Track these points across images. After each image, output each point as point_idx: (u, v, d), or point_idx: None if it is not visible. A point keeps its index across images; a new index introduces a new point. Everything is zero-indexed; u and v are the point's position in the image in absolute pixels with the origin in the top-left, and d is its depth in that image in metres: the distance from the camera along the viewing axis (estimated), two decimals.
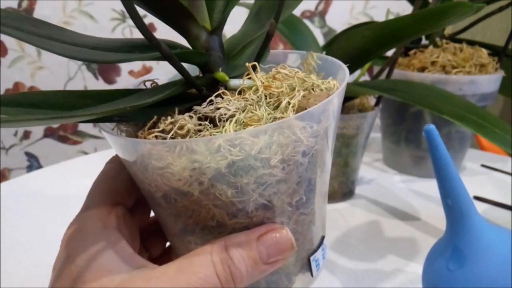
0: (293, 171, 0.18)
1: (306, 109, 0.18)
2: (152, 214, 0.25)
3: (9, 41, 1.03)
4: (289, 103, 0.19)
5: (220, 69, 0.21)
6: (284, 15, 0.23)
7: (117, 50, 0.20)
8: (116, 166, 0.22)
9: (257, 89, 0.19)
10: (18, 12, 0.19)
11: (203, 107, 0.19)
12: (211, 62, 0.21)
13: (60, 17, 1.02)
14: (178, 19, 0.20)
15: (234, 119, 0.18)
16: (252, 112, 0.18)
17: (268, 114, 0.18)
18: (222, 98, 0.19)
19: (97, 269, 0.18)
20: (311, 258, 0.22)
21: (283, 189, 0.18)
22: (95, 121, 0.19)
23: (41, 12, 1.02)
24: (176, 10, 0.19)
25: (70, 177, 0.53)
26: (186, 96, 0.21)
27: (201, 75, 0.22)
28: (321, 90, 0.21)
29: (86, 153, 1.14)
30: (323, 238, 0.23)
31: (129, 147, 0.18)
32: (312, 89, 0.21)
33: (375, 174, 0.53)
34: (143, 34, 0.17)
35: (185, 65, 0.19)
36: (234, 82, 0.20)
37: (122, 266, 0.18)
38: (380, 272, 0.33)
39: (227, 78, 0.20)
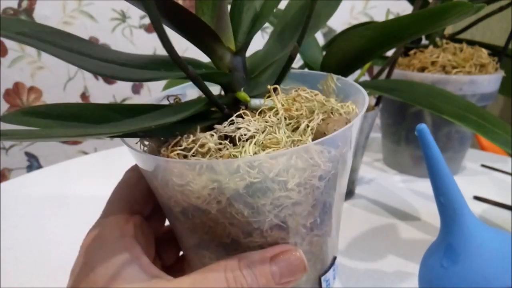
0: (309, 194, 0.18)
1: (324, 133, 0.18)
2: (167, 223, 0.25)
3: (9, 41, 1.03)
4: (307, 126, 0.19)
5: (242, 89, 0.21)
6: (307, 37, 0.23)
7: (144, 67, 0.20)
8: (135, 175, 0.23)
9: (277, 111, 0.20)
10: (49, 26, 0.19)
11: (224, 127, 0.19)
12: (234, 82, 0.21)
13: (60, 17, 1.02)
14: (205, 40, 0.20)
15: (254, 141, 0.18)
16: (272, 134, 0.18)
17: (287, 137, 0.18)
18: (243, 118, 0.19)
19: (113, 277, 0.18)
20: (322, 278, 0.22)
21: (298, 211, 0.18)
22: (120, 136, 0.20)
23: (41, 12, 1.02)
24: (203, 32, 0.19)
25: (70, 177, 0.53)
26: (208, 113, 0.22)
27: (223, 93, 0.23)
28: (340, 114, 0.21)
29: (86, 153, 1.14)
30: (335, 258, 0.23)
31: (152, 164, 0.19)
32: (331, 112, 0.21)
33: (375, 174, 0.53)
34: (173, 59, 0.17)
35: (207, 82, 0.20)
36: (255, 102, 0.21)
37: (138, 275, 0.18)
38: (380, 272, 0.33)
39: (248, 98, 0.21)
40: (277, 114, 0.19)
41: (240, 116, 0.19)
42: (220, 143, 0.19)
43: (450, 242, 0.23)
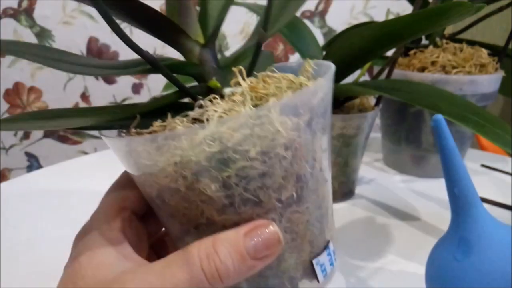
0: (276, 164, 0.18)
1: None
2: None
3: None
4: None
5: (214, 78, 0.22)
6: (280, 23, 0.24)
7: (115, 68, 0.23)
8: (128, 174, 0.23)
9: (243, 92, 0.20)
10: (36, 44, 0.23)
11: (195, 112, 0.20)
12: (205, 72, 0.22)
13: (60, 17, 1.02)
14: (170, 35, 0.21)
15: (216, 116, 0.18)
16: (234, 109, 0.19)
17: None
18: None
19: (96, 266, 0.19)
20: (314, 261, 0.21)
21: (268, 183, 0.18)
22: (94, 128, 0.21)
23: (41, 12, 1.02)
24: (167, 27, 0.21)
25: (70, 177, 0.53)
26: (184, 105, 0.23)
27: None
28: None
29: (86, 153, 1.14)
30: (328, 242, 0.23)
31: (119, 147, 0.19)
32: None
33: (375, 174, 0.53)
34: (128, 45, 0.18)
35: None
36: (228, 90, 0.21)
37: (119, 263, 0.19)
38: (380, 272, 0.33)
39: (218, 85, 0.21)
40: (243, 94, 0.20)
41: (211, 101, 0.20)
42: (190, 127, 0.19)
43: (463, 235, 0.23)
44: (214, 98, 0.20)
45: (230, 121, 0.17)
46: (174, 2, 0.22)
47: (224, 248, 0.18)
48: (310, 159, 0.20)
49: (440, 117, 0.22)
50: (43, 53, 0.22)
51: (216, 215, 0.19)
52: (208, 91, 0.21)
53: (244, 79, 0.20)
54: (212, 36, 0.22)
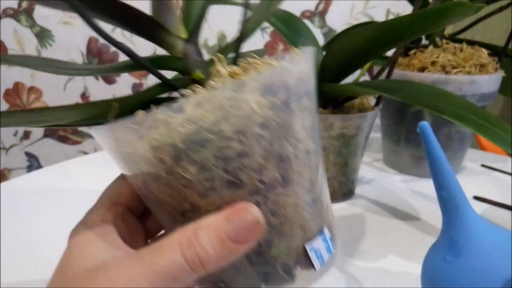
0: (254, 144, 0.18)
1: None
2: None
3: (9, 41, 1.03)
4: None
5: (198, 70, 0.22)
6: (264, 16, 0.25)
7: (105, 68, 0.24)
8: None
9: (223, 79, 0.20)
10: (38, 56, 0.24)
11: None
12: (189, 65, 0.22)
13: (60, 17, 1.02)
14: (153, 32, 0.22)
15: (195, 101, 0.18)
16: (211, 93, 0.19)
17: None
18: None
19: (85, 256, 0.19)
20: (307, 247, 0.21)
21: (248, 164, 0.18)
22: (85, 124, 0.22)
23: (41, 12, 1.02)
24: (150, 25, 0.21)
25: (70, 177, 0.53)
26: (171, 100, 0.23)
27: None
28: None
29: (86, 153, 1.14)
30: (322, 228, 0.22)
31: (103, 136, 0.20)
32: None
33: (375, 174, 0.53)
34: (104, 38, 0.18)
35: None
36: (212, 81, 0.21)
37: (108, 253, 0.19)
38: (380, 272, 0.33)
39: (202, 76, 0.21)
40: (223, 81, 0.20)
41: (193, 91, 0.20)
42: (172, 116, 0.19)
43: (452, 237, 0.23)
44: (196, 87, 0.20)
45: (205, 103, 0.17)
46: (157, 2, 0.23)
47: (205, 234, 0.18)
48: (292, 139, 0.20)
49: (425, 123, 0.23)
50: (37, 61, 0.23)
51: (199, 199, 0.19)
52: (193, 83, 0.21)
53: (223, 66, 0.21)
54: (194, 30, 0.23)
